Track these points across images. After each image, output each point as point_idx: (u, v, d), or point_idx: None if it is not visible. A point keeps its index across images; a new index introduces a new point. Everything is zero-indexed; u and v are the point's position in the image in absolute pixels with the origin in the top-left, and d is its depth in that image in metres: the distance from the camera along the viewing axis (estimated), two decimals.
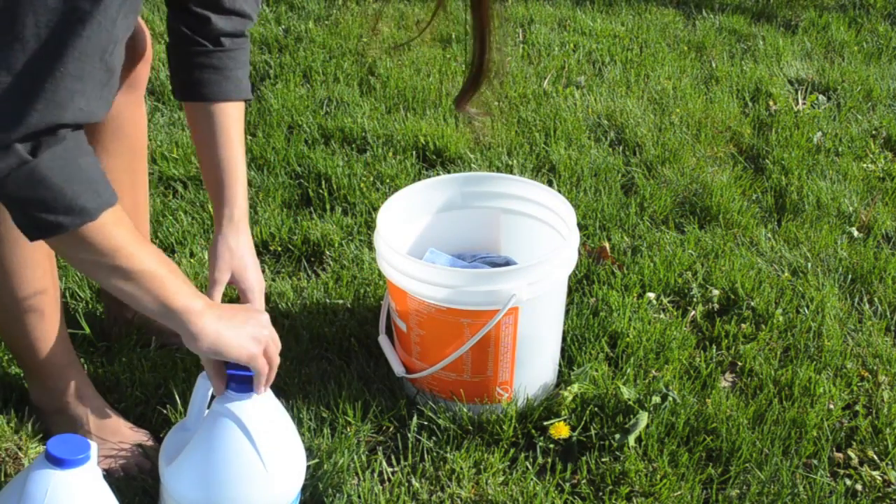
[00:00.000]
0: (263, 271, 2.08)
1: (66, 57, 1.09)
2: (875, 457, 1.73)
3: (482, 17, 1.22)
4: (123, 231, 1.22)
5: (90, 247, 1.20)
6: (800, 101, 3.03)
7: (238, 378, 1.38)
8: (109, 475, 1.53)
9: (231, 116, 1.55)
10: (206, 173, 1.57)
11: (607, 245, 2.22)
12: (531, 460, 1.68)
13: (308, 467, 1.52)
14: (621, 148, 2.68)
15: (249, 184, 2.39)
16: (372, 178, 2.43)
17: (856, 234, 2.36)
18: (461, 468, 1.63)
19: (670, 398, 1.78)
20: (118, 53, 1.15)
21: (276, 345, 1.41)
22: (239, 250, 1.53)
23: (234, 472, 1.39)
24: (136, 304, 1.27)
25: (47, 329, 1.56)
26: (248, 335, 1.36)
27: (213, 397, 1.44)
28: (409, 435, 1.70)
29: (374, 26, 2.41)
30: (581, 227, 2.26)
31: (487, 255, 1.95)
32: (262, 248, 2.17)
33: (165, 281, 1.27)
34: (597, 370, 1.83)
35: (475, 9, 1.22)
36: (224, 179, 1.54)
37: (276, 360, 1.40)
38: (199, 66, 1.51)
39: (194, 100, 1.54)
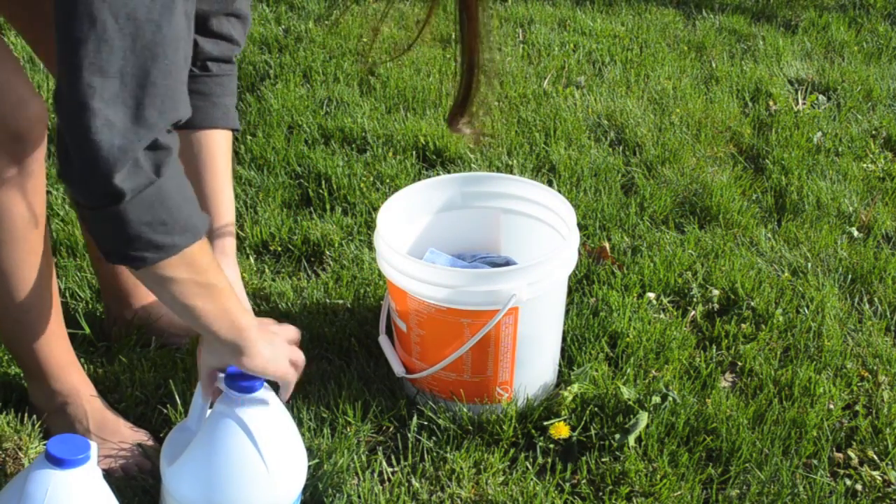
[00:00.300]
0: (263, 272, 2.08)
1: (164, 46, 1.06)
2: (875, 457, 1.73)
3: (471, 33, 1.20)
4: (209, 246, 1.23)
5: (191, 265, 1.19)
6: (800, 101, 3.03)
7: (235, 377, 1.38)
8: (109, 475, 1.53)
9: (219, 145, 1.50)
10: None
11: (607, 245, 2.22)
12: (531, 460, 1.68)
13: (308, 467, 1.52)
14: (621, 148, 2.68)
15: (249, 184, 2.39)
16: (372, 178, 2.43)
17: (856, 234, 2.36)
18: (461, 468, 1.63)
19: (670, 398, 1.78)
20: (191, 42, 1.13)
21: (301, 357, 1.42)
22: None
23: (236, 473, 1.39)
24: (210, 323, 1.27)
25: (46, 329, 1.55)
26: (284, 354, 1.38)
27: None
28: (409, 435, 1.70)
29: (374, 37, 2.39)
30: (581, 227, 2.26)
31: (487, 255, 1.95)
32: (262, 248, 2.17)
33: (233, 297, 1.28)
34: (597, 370, 1.83)
35: (463, 30, 1.20)
36: (212, 212, 1.49)
37: (301, 370, 1.42)
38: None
39: (178, 127, 1.50)
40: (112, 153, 1.06)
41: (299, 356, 1.42)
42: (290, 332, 1.44)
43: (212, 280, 1.24)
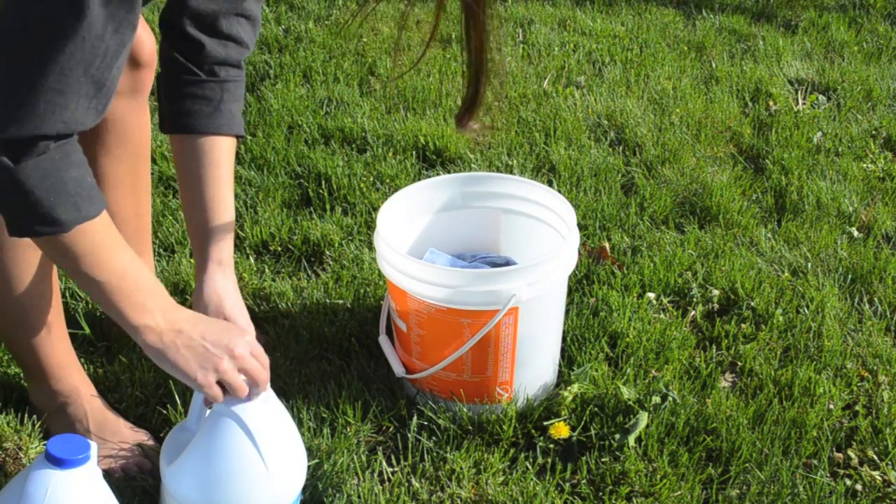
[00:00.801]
0: (263, 272, 2.08)
1: (47, 70, 1.09)
2: (875, 457, 1.73)
3: (477, 34, 1.20)
4: (96, 240, 1.23)
5: (58, 251, 1.23)
6: (800, 101, 3.03)
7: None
8: (109, 475, 1.53)
9: (222, 152, 1.49)
10: (191, 212, 1.49)
11: (607, 245, 2.22)
12: (531, 460, 1.68)
13: (308, 467, 1.52)
14: (621, 148, 2.68)
15: (249, 184, 2.39)
16: (372, 178, 2.43)
17: (856, 234, 2.36)
18: (461, 468, 1.63)
19: (670, 398, 1.78)
20: (111, 66, 1.14)
21: (249, 365, 1.35)
22: (229, 296, 1.47)
23: (236, 473, 1.39)
24: (102, 307, 1.29)
25: (47, 330, 1.55)
26: (199, 360, 1.32)
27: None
28: (409, 435, 1.70)
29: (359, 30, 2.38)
30: (581, 227, 2.26)
31: (487, 255, 1.95)
32: (262, 248, 2.17)
33: (124, 296, 1.27)
34: (597, 370, 1.83)
35: (469, 32, 1.20)
36: (212, 220, 1.48)
37: (244, 383, 1.37)
38: (190, 96, 1.45)
39: (183, 132, 1.47)
40: None
41: (228, 367, 1.33)
42: (244, 343, 1.37)
43: (87, 271, 1.25)
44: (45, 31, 1.08)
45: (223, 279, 1.48)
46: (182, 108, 1.46)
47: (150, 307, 1.29)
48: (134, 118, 1.67)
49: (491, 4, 1.16)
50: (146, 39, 1.63)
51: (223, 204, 1.49)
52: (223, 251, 1.49)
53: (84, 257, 1.23)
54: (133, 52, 1.58)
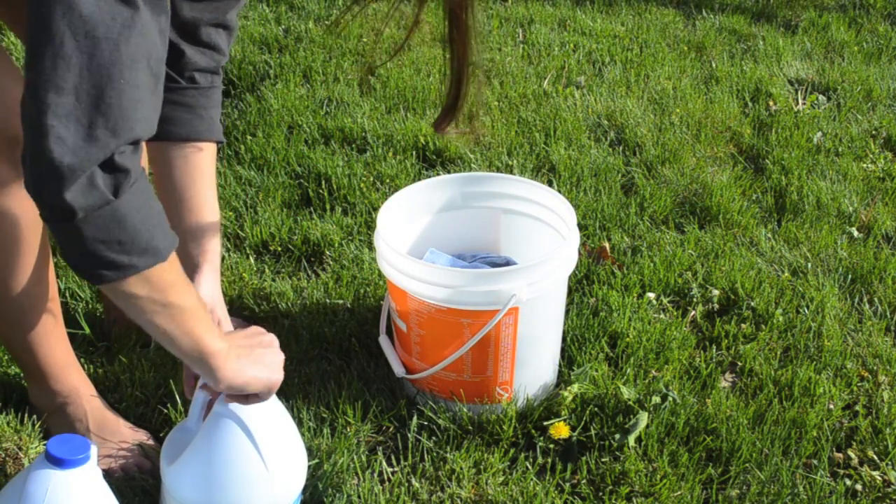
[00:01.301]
0: (263, 272, 2.08)
1: (121, 65, 1.05)
2: (875, 457, 1.73)
3: (459, 41, 1.20)
4: (179, 267, 1.21)
5: (153, 285, 1.18)
6: (800, 101, 3.03)
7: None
8: (109, 475, 1.54)
9: (204, 158, 1.48)
10: (176, 219, 1.47)
11: (607, 245, 2.22)
12: (531, 460, 1.68)
13: (308, 467, 1.52)
14: (621, 148, 2.68)
15: (249, 184, 2.39)
16: (372, 178, 2.43)
17: (856, 234, 2.36)
18: (461, 468, 1.63)
19: (670, 398, 1.78)
20: (161, 60, 1.12)
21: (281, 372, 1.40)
22: (219, 301, 1.49)
23: (236, 473, 1.39)
24: (172, 343, 1.25)
25: (46, 331, 1.55)
26: (267, 369, 1.35)
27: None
28: (409, 435, 1.70)
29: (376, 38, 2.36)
30: (581, 227, 2.26)
31: (487, 255, 1.95)
32: (262, 248, 2.17)
33: (200, 319, 1.26)
34: (597, 370, 1.83)
35: (452, 36, 1.20)
36: (199, 225, 1.48)
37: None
38: (171, 102, 1.44)
39: (164, 139, 1.46)
40: (61, 170, 1.05)
41: (272, 365, 1.38)
42: (269, 340, 1.40)
43: (174, 300, 1.21)
44: (106, 24, 1.04)
45: (214, 284, 1.49)
46: (163, 115, 1.46)
47: (218, 331, 1.30)
48: None
49: (474, 13, 1.16)
50: None
51: (206, 208, 1.49)
52: (209, 255, 1.49)
53: (174, 285, 1.20)
54: (15, 135, 1.57)
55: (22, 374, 1.67)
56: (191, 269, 1.48)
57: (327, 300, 1.99)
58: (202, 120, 1.48)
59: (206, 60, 1.47)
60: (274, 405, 1.45)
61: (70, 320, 1.76)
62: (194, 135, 1.48)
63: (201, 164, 1.49)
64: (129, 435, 1.63)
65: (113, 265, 1.13)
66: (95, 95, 1.05)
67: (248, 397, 1.37)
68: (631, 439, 1.69)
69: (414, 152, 2.57)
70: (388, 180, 2.42)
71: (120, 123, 1.07)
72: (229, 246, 2.16)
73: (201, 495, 1.39)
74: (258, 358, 1.35)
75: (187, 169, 1.48)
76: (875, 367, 1.92)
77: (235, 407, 1.39)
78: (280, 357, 1.39)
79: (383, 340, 1.83)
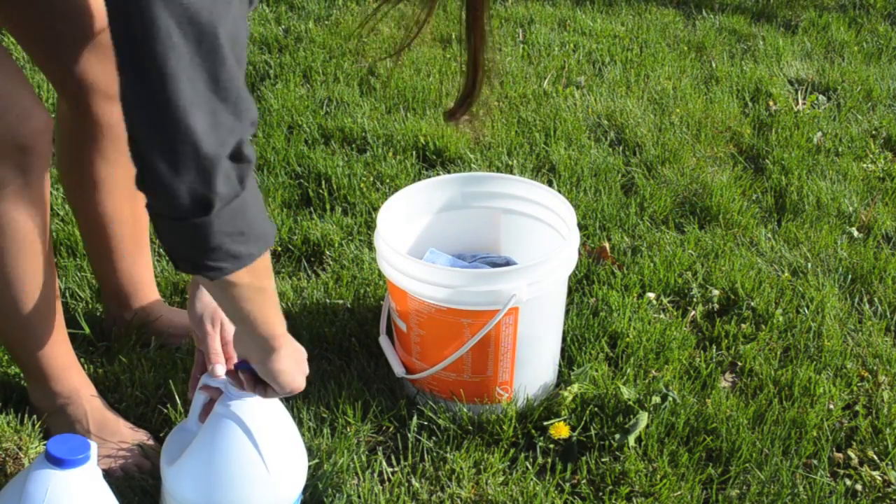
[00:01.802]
0: None
1: (224, 49, 1.03)
2: (875, 457, 1.73)
3: (476, 34, 1.20)
4: (268, 263, 1.23)
5: (256, 272, 1.18)
6: (800, 101, 3.03)
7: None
8: (109, 475, 1.53)
9: None
10: None
11: (607, 245, 2.22)
12: (531, 460, 1.68)
13: (308, 467, 1.52)
14: (621, 148, 2.68)
15: None
16: (372, 178, 2.43)
17: (856, 234, 2.36)
18: (461, 468, 1.63)
19: (670, 398, 1.78)
20: (246, 41, 1.10)
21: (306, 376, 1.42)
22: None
23: (237, 473, 1.39)
24: (249, 324, 1.26)
25: (48, 334, 1.55)
26: (301, 371, 1.38)
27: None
28: (409, 435, 1.70)
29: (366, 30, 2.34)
30: (581, 227, 2.26)
31: (487, 255, 1.95)
32: None
33: (277, 302, 1.29)
34: (597, 370, 1.83)
35: (469, 27, 1.20)
36: None
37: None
38: None
39: None
40: (206, 160, 1.04)
41: (306, 374, 1.42)
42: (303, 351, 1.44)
43: (266, 285, 1.23)
44: (207, 9, 1.01)
45: None
46: None
47: (281, 314, 1.32)
48: None
49: (491, 4, 1.16)
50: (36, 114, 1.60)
51: None
52: None
53: (268, 269, 1.21)
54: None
55: (22, 375, 1.67)
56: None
57: (327, 300, 1.99)
58: None
59: None
60: (274, 405, 1.45)
61: (70, 320, 1.76)
62: None
63: None
64: (129, 435, 1.63)
65: (233, 256, 1.13)
66: (211, 82, 1.03)
67: (267, 389, 1.38)
68: (631, 439, 1.69)
69: (414, 152, 2.57)
70: (388, 180, 2.42)
71: (240, 106, 1.06)
72: None
73: (201, 495, 1.39)
74: (299, 357, 1.38)
75: None
76: (875, 367, 1.92)
77: (236, 407, 1.39)
78: (306, 368, 1.41)
79: (383, 340, 1.83)
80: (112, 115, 1.63)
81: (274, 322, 1.30)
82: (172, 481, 1.42)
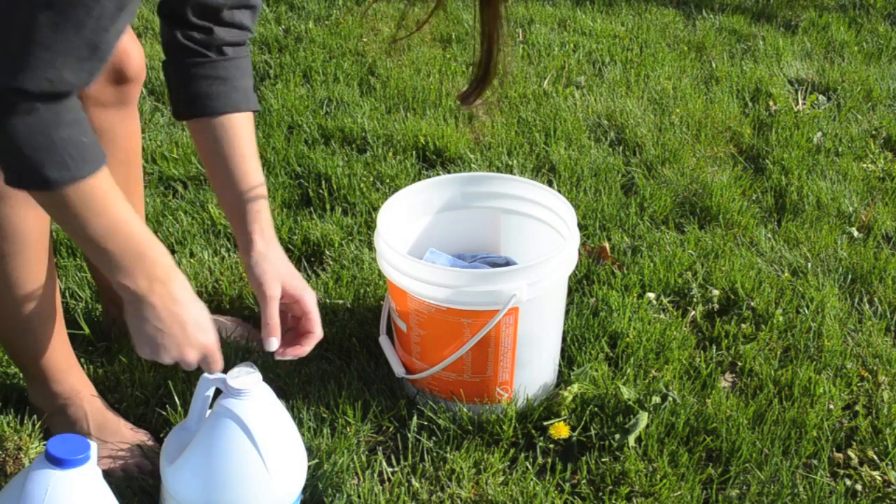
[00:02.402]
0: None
1: (37, 25, 1.07)
2: (875, 457, 1.73)
3: (491, 14, 1.20)
4: (86, 200, 1.20)
5: (51, 207, 1.22)
6: (800, 101, 3.03)
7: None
8: (109, 475, 1.53)
9: (244, 129, 1.50)
10: (224, 191, 1.51)
11: (607, 245, 2.22)
12: (531, 460, 1.68)
13: (308, 467, 1.52)
14: (621, 148, 2.68)
15: None
16: (372, 178, 2.43)
17: (856, 234, 2.36)
18: (461, 468, 1.63)
19: (670, 398, 1.78)
20: (107, 29, 1.12)
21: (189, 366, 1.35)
22: (280, 264, 1.50)
23: (236, 473, 1.39)
24: (94, 249, 1.25)
25: (47, 334, 1.55)
26: (185, 338, 1.31)
27: (214, 397, 1.44)
28: (409, 435, 1.70)
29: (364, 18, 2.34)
30: (581, 227, 2.26)
31: (487, 256, 1.95)
32: None
33: (107, 256, 1.25)
34: (597, 370, 1.83)
35: (483, 7, 1.20)
36: (247, 195, 1.50)
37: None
38: (204, 77, 1.46)
39: (202, 115, 1.48)
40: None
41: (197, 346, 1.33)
42: (211, 335, 1.35)
43: (86, 235, 1.23)
44: None
45: (272, 250, 1.50)
46: (197, 91, 1.47)
47: (131, 271, 1.27)
48: (123, 128, 1.67)
49: None
50: (133, 53, 1.62)
51: (253, 177, 1.51)
52: (264, 225, 1.51)
53: (74, 217, 1.22)
54: (119, 66, 1.59)
55: (22, 375, 1.67)
56: (245, 240, 1.50)
57: (327, 300, 1.99)
58: (237, 91, 1.49)
59: (232, 36, 1.48)
60: (274, 405, 1.45)
61: (70, 320, 1.76)
62: (231, 107, 1.49)
63: (241, 135, 1.50)
64: (129, 435, 1.63)
65: (10, 178, 1.18)
66: (3, 40, 1.09)
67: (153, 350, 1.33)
68: (631, 439, 1.69)
69: (414, 152, 2.57)
70: (388, 180, 2.42)
71: (13, 74, 1.09)
72: (229, 246, 2.16)
73: (201, 495, 1.39)
74: (184, 318, 1.30)
75: (228, 142, 1.49)
76: (875, 367, 1.92)
77: (236, 406, 1.39)
78: (201, 337, 1.32)
79: (383, 340, 1.83)
80: (104, 121, 1.63)
81: (112, 273, 1.25)
82: (172, 481, 1.42)
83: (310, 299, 1.51)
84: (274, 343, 1.46)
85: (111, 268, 1.26)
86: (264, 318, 1.47)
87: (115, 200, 1.24)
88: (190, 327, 1.31)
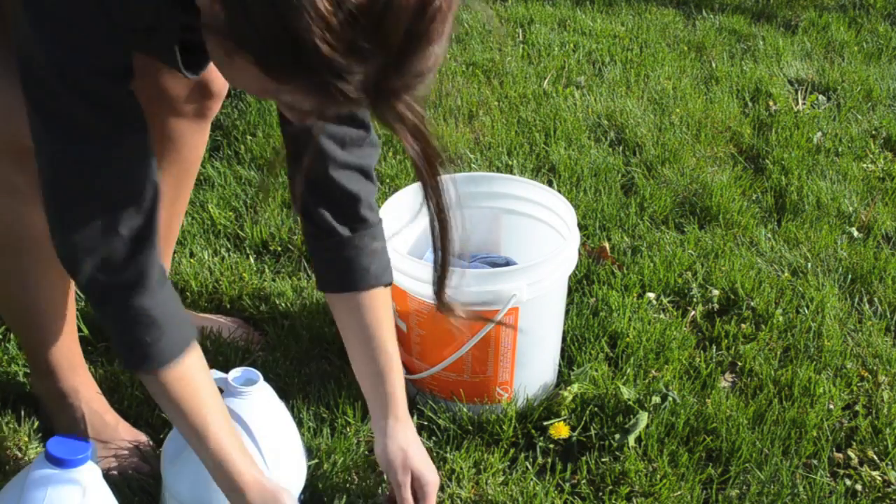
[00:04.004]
0: (263, 272, 2.08)
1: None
2: (875, 457, 1.73)
3: (436, 203, 1.16)
4: (167, 390, 1.28)
5: (151, 389, 1.31)
6: (800, 101, 3.03)
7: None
8: (109, 476, 1.53)
9: (383, 302, 1.50)
10: (360, 366, 1.52)
11: (607, 245, 2.22)
12: (531, 460, 1.68)
13: (308, 467, 1.52)
14: (621, 148, 2.68)
15: (249, 184, 2.39)
16: None
17: (856, 234, 2.36)
18: (461, 468, 1.63)
19: (670, 398, 1.78)
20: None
21: None
22: (411, 448, 1.49)
23: None
24: (191, 437, 1.33)
25: (58, 329, 1.56)
26: None
27: None
28: None
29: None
30: (581, 227, 2.25)
31: (487, 256, 1.95)
32: (262, 248, 2.17)
33: (228, 444, 1.31)
34: (597, 370, 1.83)
35: (428, 197, 1.15)
36: (383, 374, 1.50)
37: None
38: (346, 253, 1.45)
39: (346, 290, 1.47)
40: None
41: None
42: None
43: (189, 416, 1.29)
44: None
45: (403, 433, 1.49)
46: (340, 266, 1.46)
47: (215, 476, 1.33)
48: (192, 139, 1.66)
49: (440, 171, 1.14)
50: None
51: (389, 354, 1.50)
52: (398, 405, 1.50)
53: (162, 402, 1.32)
54: (206, 80, 1.57)
55: (22, 374, 1.67)
56: (380, 417, 1.50)
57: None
58: (378, 263, 1.48)
59: (367, 213, 1.47)
60: (275, 405, 1.45)
61: None
62: (372, 282, 1.47)
63: (380, 311, 1.49)
64: (128, 436, 1.63)
65: (126, 354, 1.30)
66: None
67: None
68: (631, 439, 1.69)
69: None
70: (388, 180, 2.42)
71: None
72: (229, 246, 2.16)
73: (201, 494, 1.39)
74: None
75: (367, 319, 1.49)
76: (875, 367, 1.92)
77: (237, 406, 1.39)
78: None
79: None
80: (176, 129, 1.62)
81: (230, 453, 1.30)
82: (173, 481, 1.42)
83: (431, 486, 1.49)
84: None
85: (233, 460, 1.31)
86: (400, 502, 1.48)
87: (195, 401, 1.30)
88: None
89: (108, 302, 1.23)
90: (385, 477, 1.52)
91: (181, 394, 1.28)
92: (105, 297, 1.23)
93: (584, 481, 1.65)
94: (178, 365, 1.26)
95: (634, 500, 1.62)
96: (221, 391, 1.42)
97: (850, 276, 2.19)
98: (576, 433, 1.71)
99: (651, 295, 2.07)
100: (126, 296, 1.22)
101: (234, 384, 1.41)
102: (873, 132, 2.85)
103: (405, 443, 1.49)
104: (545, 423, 1.73)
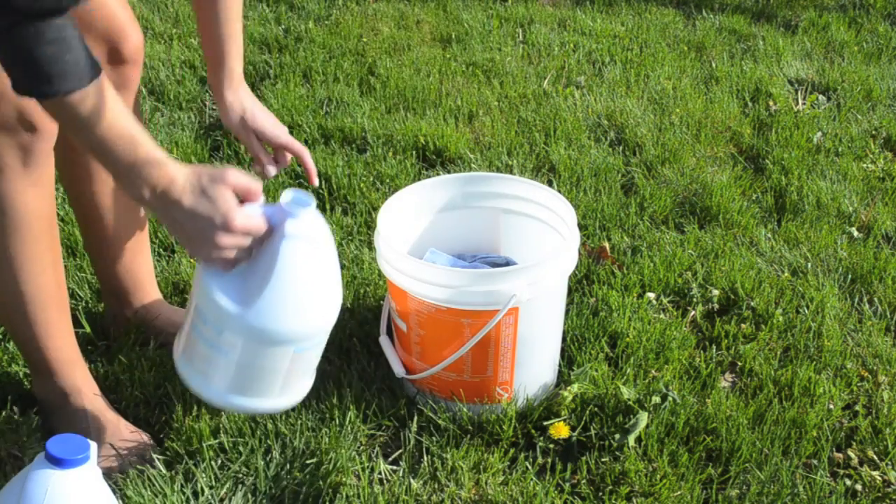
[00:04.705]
0: None
1: None
2: (875, 457, 1.73)
3: None
4: (75, 113, 1.22)
5: (51, 114, 1.26)
6: (800, 101, 3.03)
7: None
8: (109, 475, 1.53)
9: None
10: (206, 47, 1.67)
11: (607, 245, 2.22)
12: (531, 460, 1.68)
13: (308, 467, 1.52)
14: (621, 148, 2.68)
15: None
16: (372, 178, 2.43)
17: (856, 234, 2.36)
18: (461, 468, 1.63)
19: (670, 398, 1.78)
20: None
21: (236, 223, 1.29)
22: (255, 103, 1.68)
23: (318, 285, 1.37)
24: (106, 154, 1.26)
25: (50, 320, 1.56)
26: (193, 242, 1.29)
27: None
28: (409, 435, 1.70)
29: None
30: (581, 227, 2.26)
31: (487, 256, 1.96)
32: None
33: (112, 166, 1.26)
34: (597, 370, 1.83)
35: None
36: (226, 55, 1.66)
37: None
38: None
39: None
40: None
41: (222, 229, 1.28)
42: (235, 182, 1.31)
43: (78, 140, 1.25)
44: None
45: (243, 90, 1.68)
46: None
47: (135, 180, 1.26)
48: None
49: None
50: (131, 34, 1.62)
51: (233, 37, 1.66)
52: (234, 63, 1.67)
53: (70, 128, 1.25)
54: (115, 46, 1.60)
55: (22, 374, 1.67)
56: (221, 79, 1.67)
57: None
58: None
59: None
60: (325, 226, 1.40)
61: (71, 319, 1.76)
62: None
63: (229, 5, 1.64)
64: (129, 435, 1.63)
65: (12, 84, 1.22)
66: None
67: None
68: (631, 439, 1.70)
69: (414, 152, 2.57)
70: (388, 180, 2.42)
71: None
72: None
73: (292, 318, 1.35)
74: (185, 230, 1.28)
75: (217, 10, 1.63)
76: (875, 367, 1.92)
77: (294, 227, 1.33)
78: (211, 227, 1.28)
79: (384, 340, 1.83)
80: None
81: (121, 183, 1.26)
82: (250, 313, 1.32)
83: (281, 129, 1.73)
84: (270, 171, 1.72)
85: (117, 181, 1.29)
86: (253, 154, 1.71)
87: (106, 115, 1.24)
88: (200, 225, 1.28)
89: (41, 17, 1.17)
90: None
91: (104, 104, 1.24)
92: (41, 13, 1.16)
93: (584, 481, 1.65)
94: (99, 82, 1.23)
95: (634, 500, 1.62)
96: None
97: (850, 276, 2.19)
98: (576, 433, 1.71)
99: (651, 295, 2.07)
100: (59, 15, 1.17)
101: (287, 208, 1.32)
102: (873, 132, 2.85)
103: (246, 98, 1.69)
104: (545, 423, 1.73)
